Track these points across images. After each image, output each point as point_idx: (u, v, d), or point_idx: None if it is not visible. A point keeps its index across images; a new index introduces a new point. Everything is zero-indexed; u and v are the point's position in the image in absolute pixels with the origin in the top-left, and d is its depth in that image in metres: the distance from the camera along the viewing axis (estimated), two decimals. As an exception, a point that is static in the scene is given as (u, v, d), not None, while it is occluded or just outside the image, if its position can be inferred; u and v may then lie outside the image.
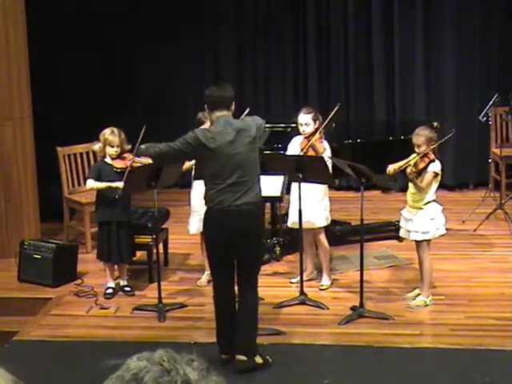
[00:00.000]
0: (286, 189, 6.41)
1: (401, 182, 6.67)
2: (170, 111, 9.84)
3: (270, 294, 6.36)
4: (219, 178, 5.11)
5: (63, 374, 5.34)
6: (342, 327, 5.93)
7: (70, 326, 6.13)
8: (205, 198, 5.28)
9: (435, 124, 6.13)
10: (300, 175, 6.10)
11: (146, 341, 5.71)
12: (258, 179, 5.24)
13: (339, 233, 7.46)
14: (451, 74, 9.36)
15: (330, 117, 6.50)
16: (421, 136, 5.99)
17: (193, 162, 6.42)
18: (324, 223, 6.60)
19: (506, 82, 8.65)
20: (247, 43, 9.80)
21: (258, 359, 5.32)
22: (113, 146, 6.44)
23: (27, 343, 5.83)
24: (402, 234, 6.37)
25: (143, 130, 6.04)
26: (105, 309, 6.41)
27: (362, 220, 6.09)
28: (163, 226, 7.21)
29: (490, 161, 8.81)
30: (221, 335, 5.39)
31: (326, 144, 6.56)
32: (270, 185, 6.24)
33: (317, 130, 6.48)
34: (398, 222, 6.48)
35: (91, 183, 6.49)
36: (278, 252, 7.29)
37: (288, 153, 6.66)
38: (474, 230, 7.90)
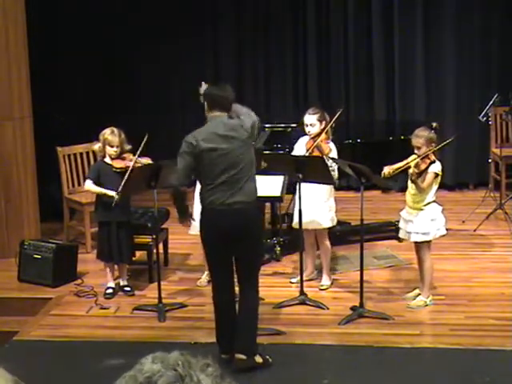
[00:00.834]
0: (292, 189, 6.41)
1: (401, 182, 6.68)
2: (170, 111, 9.84)
3: (270, 294, 6.36)
4: (211, 178, 5.12)
5: (63, 373, 5.34)
6: (342, 327, 5.93)
7: (70, 325, 6.13)
8: (200, 197, 5.30)
9: (434, 124, 6.10)
10: (300, 175, 6.10)
11: (146, 341, 5.71)
12: (253, 178, 5.23)
13: (339, 233, 7.45)
14: (451, 74, 9.36)
15: (330, 123, 6.49)
16: (420, 137, 5.98)
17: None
18: (329, 224, 6.60)
19: (506, 82, 8.65)
20: (247, 43, 9.80)
21: (258, 359, 5.32)
22: (112, 146, 6.44)
23: (27, 343, 5.83)
24: (401, 235, 6.36)
25: (145, 138, 6.04)
26: (105, 309, 6.41)
27: (361, 220, 6.08)
28: (163, 226, 7.21)
29: (490, 161, 8.81)
30: (221, 335, 5.39)
31: (332, 145, 6.53)
32: (270, 185, 6.24)
33: (323, 130, 6.47)
34: (398, 222, 6.48)
35: (89, 185, 6.50)
36: (277, 252, 7.29)
37: (294, 153, 6.65)
38: (474, 230, 7.90)
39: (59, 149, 7.80)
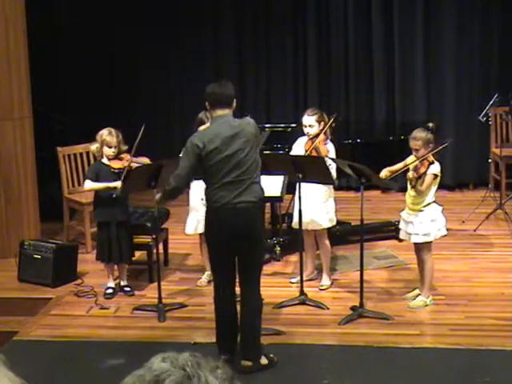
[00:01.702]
0: (291, 189, 6.40)
1: (401, 182, 6.68)
2: (169, 111, 9.85)
3: (270, 294, 6.35)
4: (217, 178, 5.09)
5: (63, 374, 5.34)
6: (342, 327, 5.93)
7: (70, 326, 6.13)
8: (205, 196, 5.28)
9: (431, 125, 6.07)
10: (300, 175, 6.10)
11: (146, 341, 5.71)
12: (259, 178, 5.23)
13: (339, 233, 7.46)
14: (451, 74, 9.36)
15: (325, 129, 6.46)
16: (418, 140, 5.96)
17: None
18: (328, 225, 6.59)
19: (506, 82, 8.66)
20: (247, 44, 9.80)
21: (263, 360, 5.31)
22: (110, 147, 6.43)
23: (27, 343, 5.83)
24: (402, 236, 6.35)
25: (142, 128, 6.05)
26: (105, 309, 6.41)
27: (361, 220, 6.08)
28: (163, 226, 7.21)
29: (489, 161, 8.82)
30: (221, 335, 5.38)
31: (330, 146, 6.52)
32: (270, 185, 6.23)
33: (321, 131, 6.46)
34: (398, 222, 6.47)
35: (89, 184, 6.49)
36: (277, 252, 7.29)
37: (292, 153, 6.64)
38: (474, 230, 7.91)
39: (59, 149, 7.80)
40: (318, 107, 6.96)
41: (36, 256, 6.95)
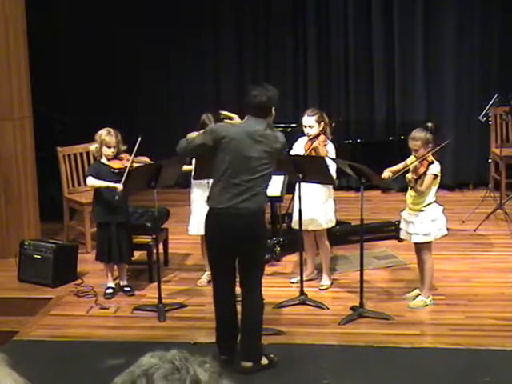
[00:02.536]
0: (291, 189, 6.39)
1: (401, 182, 6.67)
2: (169, 111, 9.85)
3: (270, 294, 6.35)
4: (226, 174, 5.06)
5: (63, 373, 5.34)
6: (342, 327, 5.93)
7: (70, 326, 6.13)
8: (208, 196, 5.26)
9: (429, 125, 6.06)
10: (300, 175, 6.10)
11: (146, 341, 5.71)
12: (266, 190, 5.20)
13: (339, 233, 7.46)
14: (451, 74, 9.36)
15: (324, 130, 6.47)
16: (417, 140, 5.95)
17: (192, 166, 6.44)
18: (327, 225, 6.59)
19: (506, 82, 8.66)
20: (247, 44, 9.80)
21: (264, 361, 5.30)
22: (109, 147, 6.43)
23: (27, 343, 5.82)
24: (402, 236, 6.35)
25: (138, 140, 6.05)
26: (105, 309, 6.41)
27: (362, 220, 6.08)
28: (163, 226, 7.22)
29: (489, 161, 8.82)
30: (221, 336, 5.38)
31: (330, 146, 6.50)
32: (270, 185, 6.23)
33: (321, 131, 6.46)
34: (398, 222, 6.47)
35: (92, 181, 6.47)
36: (277, 252, 7.29)
37: (292, 153, 6.64)
38: (474, 230, 7.91)
39: (59, 149, 7.80)
40: (318, 107, 6.96)
41: (36, 256, 6.95)
